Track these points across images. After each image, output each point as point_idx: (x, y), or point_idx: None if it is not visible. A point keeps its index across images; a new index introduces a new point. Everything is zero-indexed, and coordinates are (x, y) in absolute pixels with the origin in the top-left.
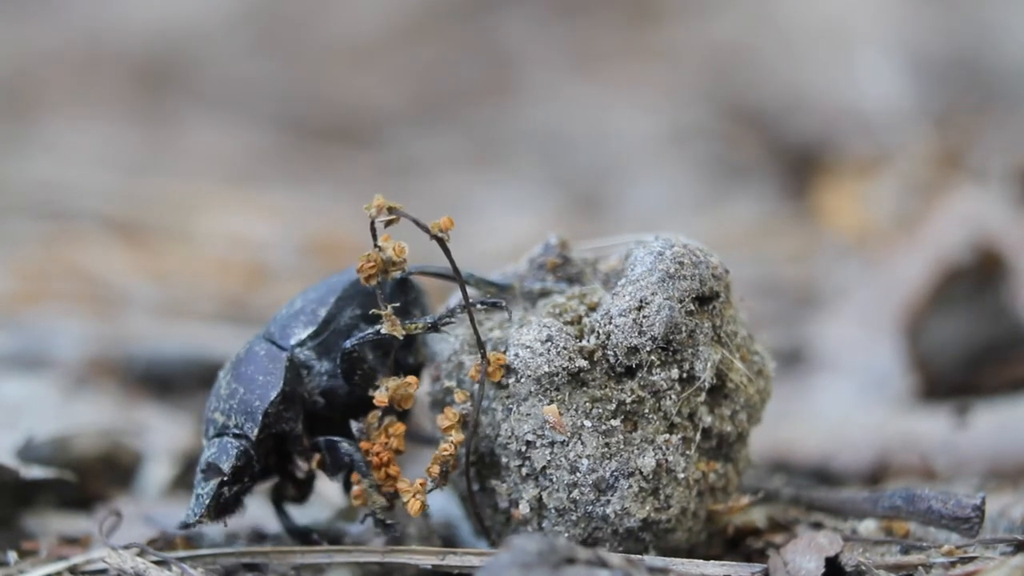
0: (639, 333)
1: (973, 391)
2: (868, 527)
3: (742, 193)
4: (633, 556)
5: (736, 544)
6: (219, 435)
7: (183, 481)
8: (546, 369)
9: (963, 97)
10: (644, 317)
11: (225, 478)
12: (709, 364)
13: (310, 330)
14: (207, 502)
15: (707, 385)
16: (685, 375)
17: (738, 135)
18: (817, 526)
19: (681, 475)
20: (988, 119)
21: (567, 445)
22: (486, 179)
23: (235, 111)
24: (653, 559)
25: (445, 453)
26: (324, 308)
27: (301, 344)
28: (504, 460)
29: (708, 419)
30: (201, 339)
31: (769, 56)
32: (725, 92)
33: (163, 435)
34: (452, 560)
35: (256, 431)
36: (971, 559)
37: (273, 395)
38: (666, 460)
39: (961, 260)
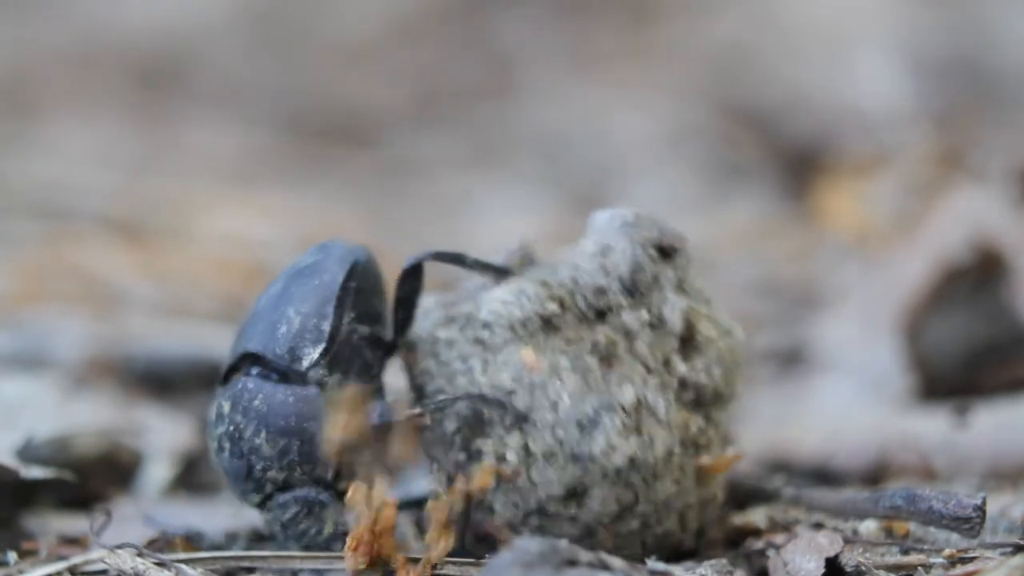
0: (605, 274)
1: (973, 391)
2: (868, 527)
3: (742, 193)
4: (635, 561)
5: (736, 544)
6: (282, 489)
7: (183, 481)
8: (518, 315)
9: (963, 97)
10: (608, 260)
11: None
12: (677, 309)
13: (320, 348)
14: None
15: (677, 329)
16: (655, 320)
17: (738, 135)
18: (817, 526)
19: (662, 415)
20: (988, 119)
21: (546, 385)
22: (486, 179)
23: (235, 111)
24: (654, 563)
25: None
26: (327, 322)
27: (314, 365)
28: (486, 415)
29: (682, 367)
30: (201, 339)
31: (769, 56)
32: (725, 92)
33: (163, 435)
34: (451, 570)
35: (331, 471)
36: (971, 559)
37: None
38: (646, 397)
39: (961, 260)
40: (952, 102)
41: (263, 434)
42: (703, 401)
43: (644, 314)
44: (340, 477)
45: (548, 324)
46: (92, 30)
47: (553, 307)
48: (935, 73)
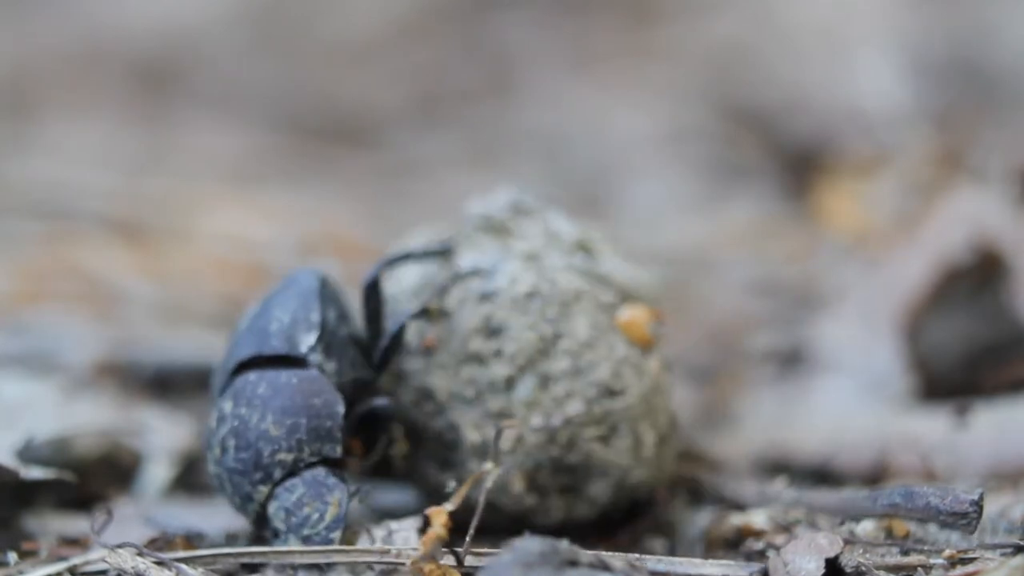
0: (489, 206)
1: (973, 391)
2: (867, 528)
3: (742, 193)
4: (635, 559)
5: (736, 544)
6: (291, 474)
7: (183, 481)
8: (418, 246)
9: (963, 97)
10: (491, 199)
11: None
12: (566, 221)
13: (315, 334)
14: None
15: (572, 238)
16: (548, 232)
17: (738, 135)
18: (817, 527)
19: (560, 266)
20: (988, 119)
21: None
22: (486, 179)
23: (235, 111)
24: (655, 563)
25: None
26: (315, 313)
27: (312, 349)
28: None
29: (582, 262)
30: (201, 339)
31: (769, 56)
32: (725, 92)
33: (163, 435)
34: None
35: (339, 449)
36: (971, 560)
37: (340, 410)
38: (540, 255)
39: (961, 260)
40: (952, 102)
41: (270, 417)
42: (611, 285)
43: (537, 225)
44: (349, 453)
45: (445, 254)
46: (92, 30)
47: (445, 237)
48: (935, 73)
